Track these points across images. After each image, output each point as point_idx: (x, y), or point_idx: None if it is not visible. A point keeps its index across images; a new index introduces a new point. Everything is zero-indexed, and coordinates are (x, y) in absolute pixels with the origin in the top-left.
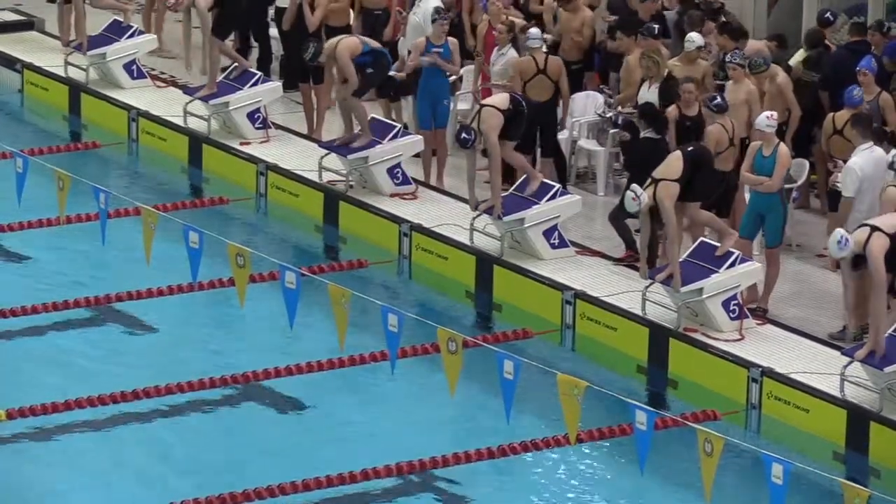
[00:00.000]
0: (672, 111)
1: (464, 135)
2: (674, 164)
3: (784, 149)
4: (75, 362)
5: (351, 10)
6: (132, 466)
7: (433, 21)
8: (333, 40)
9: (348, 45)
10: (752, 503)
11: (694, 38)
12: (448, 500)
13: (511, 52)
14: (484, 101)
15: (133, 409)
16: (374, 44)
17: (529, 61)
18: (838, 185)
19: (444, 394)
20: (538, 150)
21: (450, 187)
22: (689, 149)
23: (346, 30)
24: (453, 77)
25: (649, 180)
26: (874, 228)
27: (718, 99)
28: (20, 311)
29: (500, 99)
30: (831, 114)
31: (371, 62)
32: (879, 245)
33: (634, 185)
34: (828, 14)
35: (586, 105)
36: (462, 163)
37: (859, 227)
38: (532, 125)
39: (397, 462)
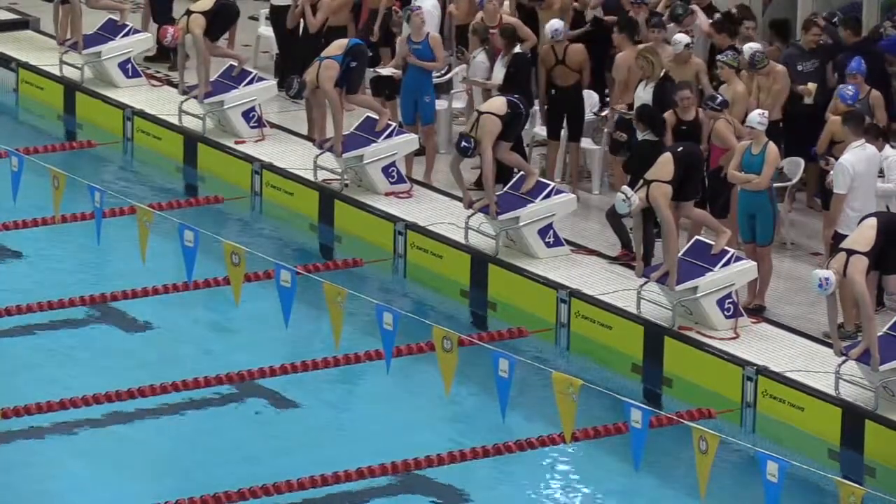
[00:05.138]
0: (669, 116)
1: (464, 143)
2: (665, 165)
3: (773, 147)
4: (70, 361)
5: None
6: (127, 465)
7: (408, 19)
8: (313, 72)
9: (329, 75)
10: (748, 501)
11: (680, 38)
12: (443, 499)
13: (481, 56)
14: (482, 108)
15: (128, 407)
16: (343, 44)
17: (548, 51)
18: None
19: (439, 392)
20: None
21: (445, 185)
22: (679, 149)
23: (344, 30)
24: (447, 74)
25: (641, 182)
26: (850, 252)
27: (720, 98)
28: (15, 309)
29: (499, 105)
30: (835, 118)
31: (351, 59)
32: (858, 269)
33: (625, 188)
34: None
35: None
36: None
37: (837, 253)
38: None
39: (392, 461)
